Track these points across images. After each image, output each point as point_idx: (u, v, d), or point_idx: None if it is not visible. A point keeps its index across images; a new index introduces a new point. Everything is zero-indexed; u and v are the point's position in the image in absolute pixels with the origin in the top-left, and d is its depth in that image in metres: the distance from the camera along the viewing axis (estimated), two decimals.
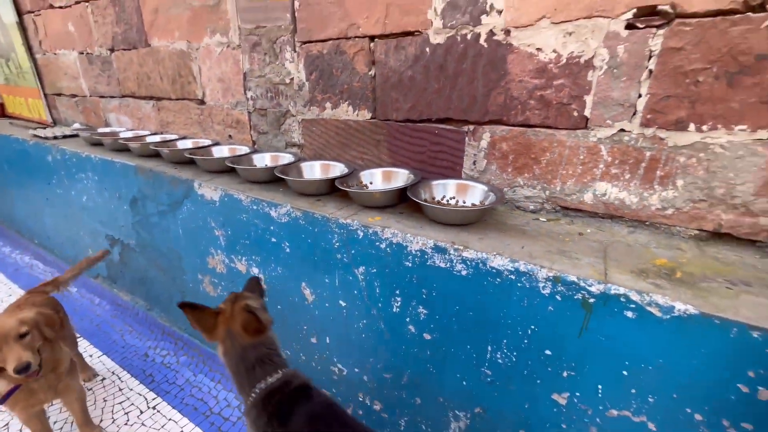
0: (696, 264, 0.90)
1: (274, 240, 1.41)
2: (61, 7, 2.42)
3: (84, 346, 2.11)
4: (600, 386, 0.89)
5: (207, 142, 1.94)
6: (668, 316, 0.77)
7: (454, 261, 1.02)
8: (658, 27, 0.92)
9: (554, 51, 1.05)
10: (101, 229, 2.27)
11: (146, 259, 2.06)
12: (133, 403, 1.74)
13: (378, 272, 1.18)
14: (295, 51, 1.53)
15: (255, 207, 1.41)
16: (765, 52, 0.84)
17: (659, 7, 0.91)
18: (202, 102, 1.97)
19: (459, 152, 1.32)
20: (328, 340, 1.43)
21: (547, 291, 0.90)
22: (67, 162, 2.23)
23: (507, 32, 1.11)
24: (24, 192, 2.86)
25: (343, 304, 1.32)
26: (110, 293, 2.49)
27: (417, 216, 1.20)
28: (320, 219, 1.25)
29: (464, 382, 1.13)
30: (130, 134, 2.21)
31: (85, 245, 2.51)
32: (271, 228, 1.40)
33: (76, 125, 2.76)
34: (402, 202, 1.31)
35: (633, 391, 0.85)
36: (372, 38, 1.34)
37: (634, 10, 0.93)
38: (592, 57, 1.01)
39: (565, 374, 0.94)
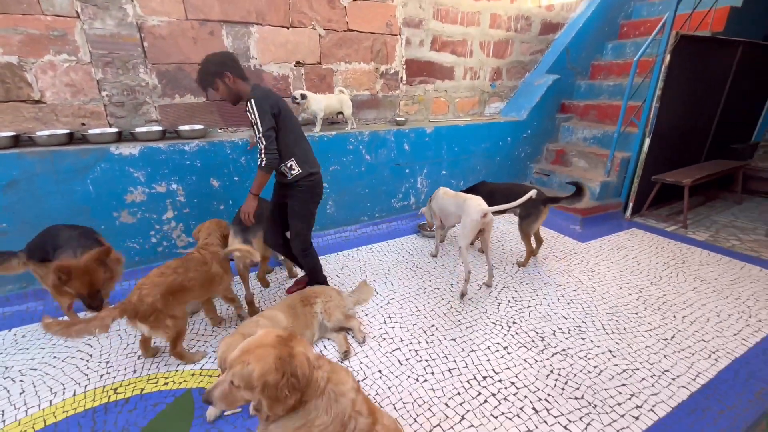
0: None
1: (188, 162, 2.84)
2: None
3: None
4: None
5: (65, 130, 2.63)
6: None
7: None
8: (302, 66, 3.39)
9: (277, 72, 3.31)
10: None
11: (27, 235, 2.48)
12: None
13: (249, 155, 3.06)
14: (147, 68, 2.82)
15: (172, 148, 2.76)
16: (324, 74, 3.51)
17: (300, 60, 3.37)
18: (39, 102, 2.59)
19: None
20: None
21: None
22: None
23: (260, 66, 3.22)
24: None
25: (236, 179, 3.05)
26: None
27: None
28: (218, 143, 2.90)
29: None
30: None
31: None
32: (185, 156, 2.82)
33: None
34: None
35: None
36: (199, 64, 2.98)
37: (296, 62, 3.34)
38: (288, 74, 3.36)
39: None
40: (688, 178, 3.85)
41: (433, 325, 2.39)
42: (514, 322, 2.42)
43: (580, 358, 2.11)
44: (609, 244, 3.56)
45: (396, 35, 3.78)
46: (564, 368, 2.04)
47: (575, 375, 1.99)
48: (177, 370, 2.02)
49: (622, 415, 1.75)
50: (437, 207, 3.08)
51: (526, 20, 4.56)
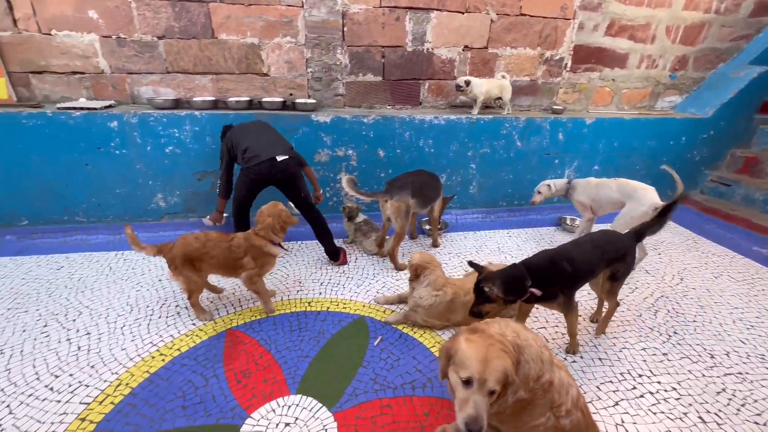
0: None
1: (364, 133, 3.30)
2: None
3: None
4: None
5: (280, 98, 3.33)
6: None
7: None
8: (469, 50, 3.55)
9: (446, 56, 3.53)
10: (185, 170, 3.14)
11: None
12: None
13: (412, 131, 3.38)
14: (343, 49, 3.33)
15: (354, 119, 3.24)
16: (488, 59, 3.61)
17: (468, 45, 3.52)
18: (265, 75, 3.31)
19: (418, 91, 3.63)
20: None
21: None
22: (149, 123, 2.94)
23: (432, 49, 3.48)
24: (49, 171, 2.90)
25: (399, 151, 3.43)
26: (188, 223, 3.31)
27: None
28: (389, 118, 3.29)
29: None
30: (200, 99, 3.16)
31: (148, 194, 3.16)
32: (363, 127, 3.28)
33: (82, 100, 3.09)
34: None
35: None
36: (382, 47, 3.39)
37: (464, 46, 3.52)
38: (455, 58, 3.55)
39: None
40: None
41: (579, 315, 2.40)
42: (675, 332, 2.27)
43: (763, 386, 1.90)
44: None
45: (569, 19, 3.63)
46: (740, 391, 1.87)
47: (755, 401, 1.81)
48: (352, 300, 2.49)
49: None
50: (587, 197, 3.09)
51: None
